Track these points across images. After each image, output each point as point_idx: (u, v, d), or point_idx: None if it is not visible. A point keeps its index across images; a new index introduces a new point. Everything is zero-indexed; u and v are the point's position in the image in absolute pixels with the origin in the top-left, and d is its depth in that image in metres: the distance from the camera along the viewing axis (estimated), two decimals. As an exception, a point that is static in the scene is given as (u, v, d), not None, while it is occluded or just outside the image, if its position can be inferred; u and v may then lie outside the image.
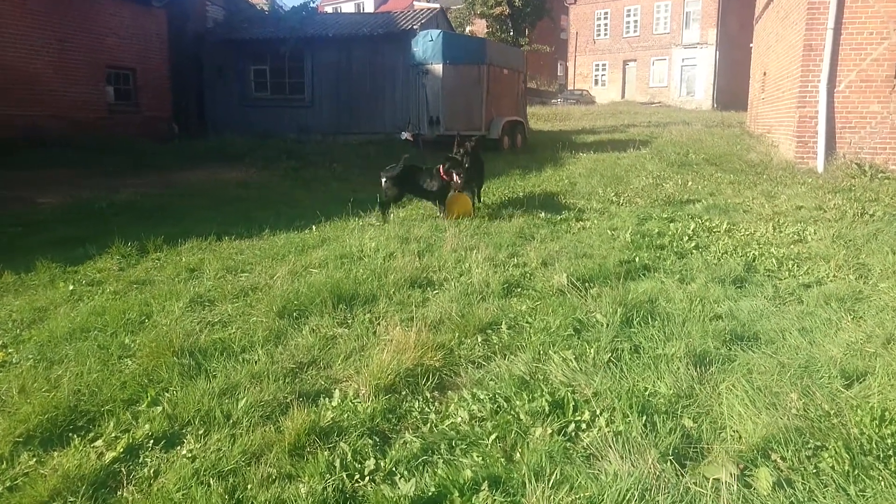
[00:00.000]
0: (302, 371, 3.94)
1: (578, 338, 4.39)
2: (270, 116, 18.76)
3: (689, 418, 3.43)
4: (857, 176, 12.25)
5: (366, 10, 44.91)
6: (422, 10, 19.39)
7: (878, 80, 12.88)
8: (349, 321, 4.69)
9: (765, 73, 19.54)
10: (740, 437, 3.21)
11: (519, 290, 5.48)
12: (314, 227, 7.56)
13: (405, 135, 14.83)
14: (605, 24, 54.08)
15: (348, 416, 3.43)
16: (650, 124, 29.19)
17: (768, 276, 6.11)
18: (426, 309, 4.93)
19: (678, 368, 3.88)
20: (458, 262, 6.18)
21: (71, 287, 5.58)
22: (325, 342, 4.31)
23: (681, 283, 5.80)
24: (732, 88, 47.39)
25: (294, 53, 18.45)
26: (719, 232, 7.87)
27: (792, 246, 7.18)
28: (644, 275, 6.03)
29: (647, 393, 3.64)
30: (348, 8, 48.74)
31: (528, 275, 5.89)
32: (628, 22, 52.78)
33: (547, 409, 3.45)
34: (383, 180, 8.10)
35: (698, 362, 4.01)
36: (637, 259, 6.43)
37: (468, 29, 35.78)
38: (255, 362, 3.95)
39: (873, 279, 5.88)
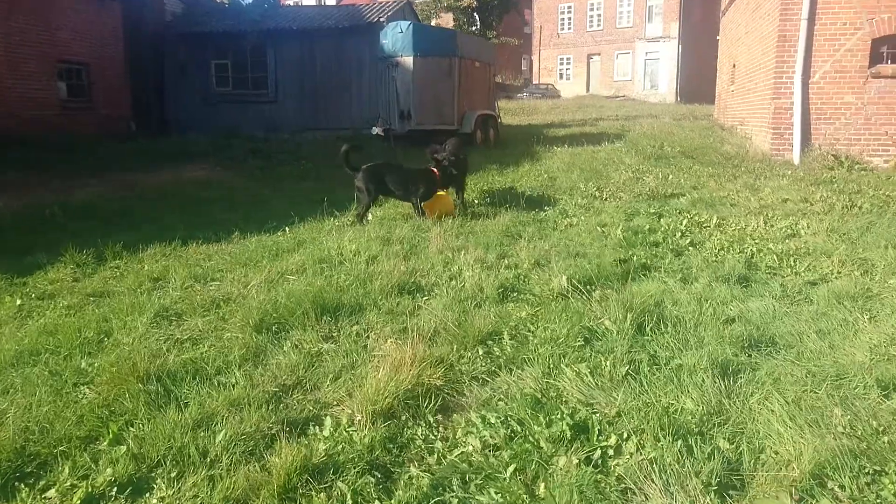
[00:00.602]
0: (286, 395, 3.49)
1: (590, 348, 4.02)
2: (234, 113, 18.09)
3: (724, 439, 3.08)
4: (835, 167, 12.17)
5: (329, 3, 44.12)
6: (388, 2, 18.85)
7: (851, 71, 12.81)
8: (335, 334, 4.25)
9: (734, 66, 19.49)
10: (788, 463, 2.86)
11: (515, 294, 5.10)
12: (287, 229, 7.07)
13: (376, 130, 14.33)
14: (569, 18, 54.04)
15: (344, 447, 3.00)
16: (618, 118, 29.06)
17: (771, 273, 5.84)
18: (418, 318, 4.51)
19: (703, 381, 3.53)
20: (446, 265, 5.77)
21: (18, 301, 5.02)
22: (311, 360, 3.86)
23: (684, 283, 5.49)
24: (695, 82, 47.79)
25: (256, 47, 17.81)
26: (710, 227, 7.60)
27: (787, 241, 6.93)
28: (644, 275, 5.69)
29: (673, 411, 3.28)
30: (310, 0, 47.84)
31: (523, 277, 5.51)
32: (592, 16, 52.80)
33: (568, 433, 3.06)
34: (360, 178, 7.63)
35: (722, 373, 3.67)
36: (634, 258, 6.10)
37: (434, 22, 35.34)
38: (233, 386, 3.49)
39: (879, 275, 5.63)
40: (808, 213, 8.26)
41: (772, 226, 7.57)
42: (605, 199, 9.38)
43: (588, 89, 53.20)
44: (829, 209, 8.42)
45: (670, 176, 11.12)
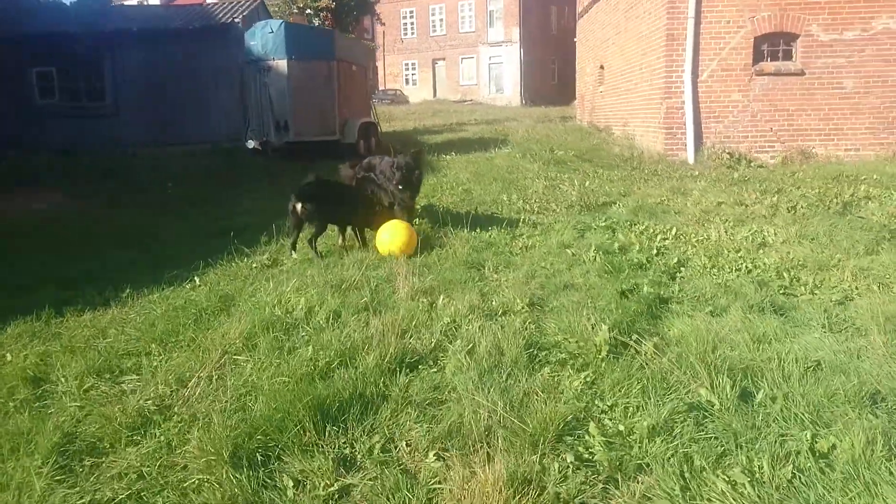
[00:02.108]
0: None
1: (716, 439, 2.96)
2: (65, 128, 15.37)
3: None
4: (733, 166, 12.19)
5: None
6: (241, 1, 16.95)
7: (737, 69, 12.95)
8: (351, 454, 2.89)
9: (601, 67, 19.59)
10: None
11: (545, 353, 3.96)
12: (196, 279, 5.43)
13: (252, 143, 12.55)
14: (412, 23, 53.66)
15: None
16: (479, 122, 28.76)
17: (785, 293, 5.17)
18: (448, 409, 3.24)
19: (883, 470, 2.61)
20: (431, 317, 4.51)
21: None
22: (337, 510, 2.50)
23: (713, 315, 4.63)
24: (537, 84, 49.22)
25: (90, 52, 15.24)
26: (670, 239, 6.93)
27: (762, 251, 6.38)
28: (664, 309, 4.77)
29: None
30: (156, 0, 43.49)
31: (536, 326, 4.39)
32: (434, 21, 52.75)
33: None
34: (295, 203, 6.15)
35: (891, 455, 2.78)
36: (640, 288, 5.17)
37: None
38: None
39: (901, 291, 5.09)
40: (755, 217, 7.85)
41: (733, 235, 7.01)
42: (538, 212, 8.49)
43: (435, 94, 53.10)
44: (774, 212, 8.07)
45: (587, 182, 10.49)
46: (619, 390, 3.43)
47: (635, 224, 7.61)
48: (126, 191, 10.22)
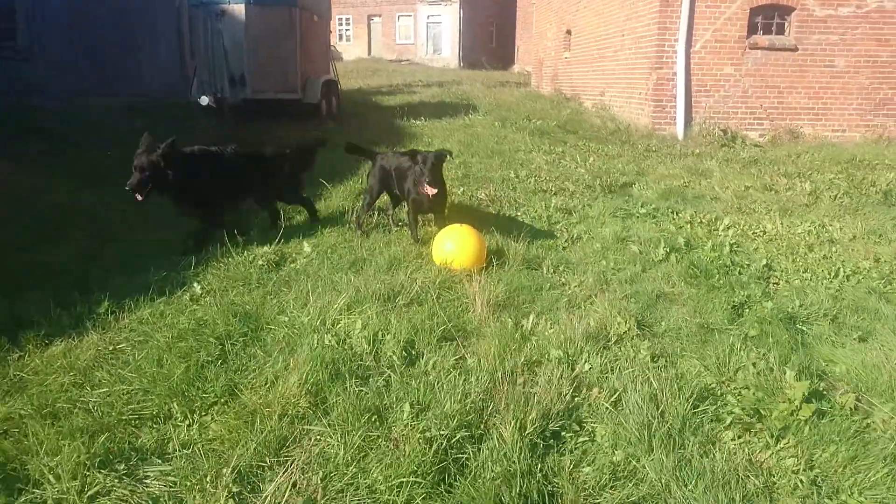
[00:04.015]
0: None
1: None
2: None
3: None
4: (728, 143, 11.53)
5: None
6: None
7: (731, 41, 12.23)
8: None
9: (568, 32, 18.60)
10: None
11: (709, 405, 2.96)
12: (196, 284, 4.11)
13: (206, 99, 10.87)
14: (347, -24, 50.99)
15: None
16: (426, 84, 27.29)
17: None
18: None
19: None
20: (533, 348, 3.43)
21: None
22: None
23: (862, 341, 3.77)
24: (476, 47, 47.91)
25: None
26: (724, 231, 6.08)
27: (836, 248, 5.62)
28: (801, 332, 3.87)
29: None
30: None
31: (667, 361, 3.39)
32: (370, -26, 50.30)
33: None
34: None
35: None
36: (755, 301, 4.26)
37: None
38: None
39: None
40: (798, 207, 7.12)
41: (792, 228, 6.22)
42: (555, 193, 7.46)
43: (370, 52, 50.93)
44: (815, 200, 7.35)
45: (591, 158, 9.53)
46: (855, 475, 2.48)
47: (677, 212, 6.71)
48: (60, 152, 8.46)
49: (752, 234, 6.09)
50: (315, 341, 3.26)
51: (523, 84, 25.67)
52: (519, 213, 6.49)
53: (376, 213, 5.96)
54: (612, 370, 3.24)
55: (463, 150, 9.73)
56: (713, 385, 3.17)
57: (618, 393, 2.99)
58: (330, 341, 3.28)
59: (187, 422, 2.67)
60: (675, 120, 12.35)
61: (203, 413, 2.73)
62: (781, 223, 6.37)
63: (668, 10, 12.07)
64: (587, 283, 4.59)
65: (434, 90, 22.90)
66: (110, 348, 3.26)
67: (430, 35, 49.34)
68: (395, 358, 3.20)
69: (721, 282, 4.70)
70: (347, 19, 51.65)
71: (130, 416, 2.67)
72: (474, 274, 4.41)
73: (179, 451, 2.45)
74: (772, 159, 9.89)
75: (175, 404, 2.73)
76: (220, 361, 3.10)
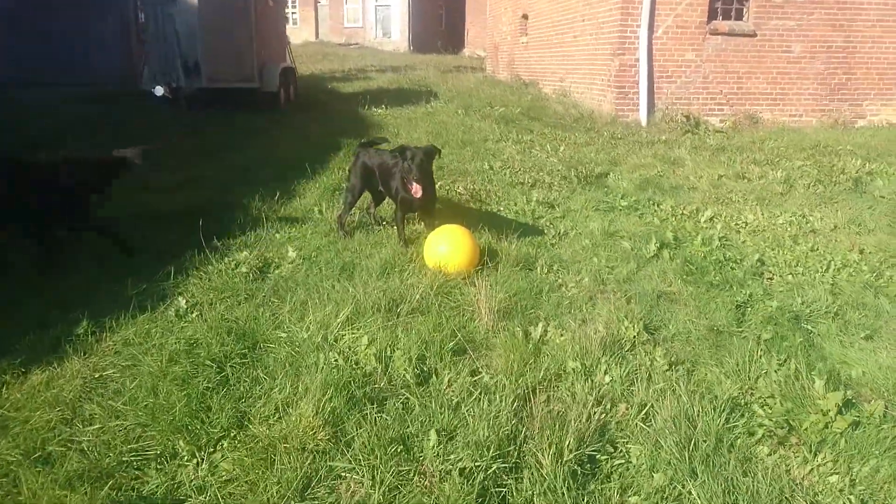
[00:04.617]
0: None
1: None
2: None
3: None
4: (691, 130, 11.58)
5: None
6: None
7: (692, 27, 12.26)
8: None
9: (524, 16, 18.45)
10: None
11: (738, 419, 2.87)
12: (181, 298, 3.81)
13: (160, 90, 10.32)
14: (291, -44, 49.68)
15: None
16: (379, 69, 26.83)
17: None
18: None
19: None
20: (550, 359, 3.28)
21: None
22: None
23: (869, 340, 3.76)
24: (426, 31, 47.40)
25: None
26: (709, 224, 6.07)
27: (819, 239, 5.65)
28: (805, 331, 3.83)
29: None
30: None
31: (686, 370, 3.29)
32: (315, -45, 49.15)
33: None
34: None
35: None
36: (758, 300, 4.21)
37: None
38: None
39: None
40: (774, 196, 7.15)
41: (773, 219, 6.23)
42: (533, 186, 7.34)
43: (317, 36, 49.84)
44: (789, 189, 7.40)
45: (562, 148, 9.43)
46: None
47: (658, 204, 6.66)
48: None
49: (735, 225, 6.08)
50: (321, 361, 3.04)
51: (477, 69, 25.47)
52: (501, 209, 6.33)
53: (357, 211, 5.71)
54: (633, 382, 3.12)
55: (433, 141, 9.50)
56: (736, 395, 3.08)
57: (646, 408, 2.86)
58: (336, 360, 3.06)
59: (195, 460, 2.43)
60: (639, 106, 12.35)
61: (211, 449, 2.49)
62: (762, 214, 6.37)
63: (630, -4, 12.03)
64: (584, 284, 4.47)
65: (389, 76, 22.52)
66: (96, 376, 2.97)
67: (379, 18, 48.54)
68: (408, 376, 3.01)
69: (717, 278, 4.65)
70: (293, 2, 50.38)
71: (132, 457, 2.42)
72: (470, 277, 4.24)
73: (195, 497, 2.21)
74: (738, 146, 9.96)
75: (180, 441, 2.48)
76: (221, 388, 2.86)
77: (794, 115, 12.76)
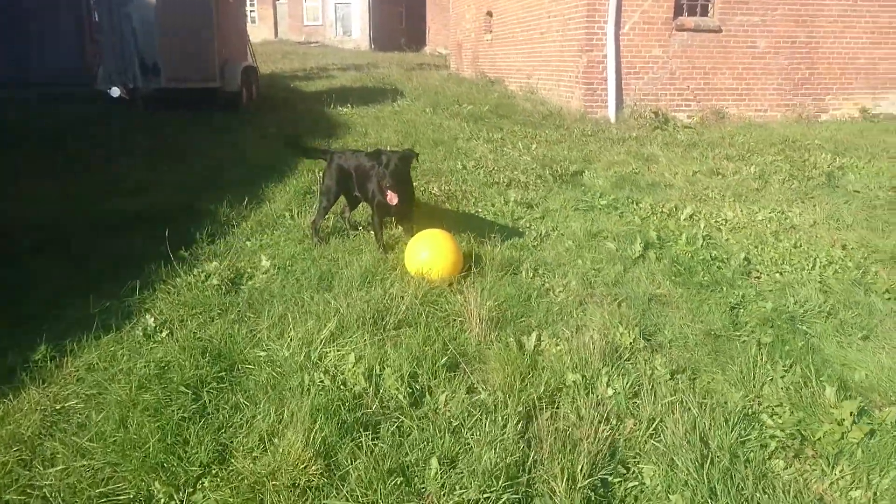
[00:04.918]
0: None
1: None
2: None
3: None
4: (660, 126, 11.55)
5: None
6: None
7: (658, 23, 12.26)
8: None
9: (489, 13, 18.32)
10: None
11: (751, 431, 2.74)
12: (148, 316, 3.53)
13: (117, 91, 9.86)
14: (249, -46, 48.83)
15: None
16: (341, 67, 26.50)
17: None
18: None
19: None
20: (548, 370, 3.11)
21: None
22: None
23: (866, 339, 3.67)
24: (386, 29, 47.06)
25: None
26: (689, 221, 5.98)
27: (800, 235, 5.59)
28: (800, 333, 3.73)
29: None
30: None
31: (689, 378, 3.15)
32: (274, -47, 48.38)
33: None
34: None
35: None
36: (751, 301, 4.11)
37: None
38: None
39: None
40: (750, 192, 7.11)
41: (753, 216, 6.18)
42: (510, 185, 7.18)
43: (277, 34, 49.12)
44: (764, 185, 7.37)
45: (534, 146, 9.29)
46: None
47: (637, 202, 6.55)
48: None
49: (716, 223, 6.00)
50: (306, 382, 2.82)
51: (441, 66, 25.31)
52: (479, 210, 6.15)
53: (331, 216, 5.47)
54: (636, 393, 2.96)
55: (403, 141, 9.29)
56: (743, 404, 2.95)
57: (654, 423, 2.71)
58: (322, 381, 2.84)
59: (173, 503, 2.19)
60: (607, 103, 12.29)
61: (191, 489, 2.25)
62: (741, 210, 6.31)
63: (597, -8, 11.95)
64: (572, 288, 4.32)
65: (352, 74, 22.21)
66: (58, 407, 2.70)
67: (339, 16, 48.04)
68: (400, 397, 2.81)
69: (706, 279, 4.54)
70: (252, 0, 49.57)
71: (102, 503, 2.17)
72: (454, 283, 4.05)
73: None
74: (709, 142, 9.95)
75: (155, 482, 2.24)
76: (198, 417, 2.61)
77: (759, 110, 12.85)
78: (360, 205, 5.43)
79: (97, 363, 3.04)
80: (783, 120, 12.67)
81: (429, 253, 4.28)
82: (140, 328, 3.40)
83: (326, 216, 5.17)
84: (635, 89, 12.47)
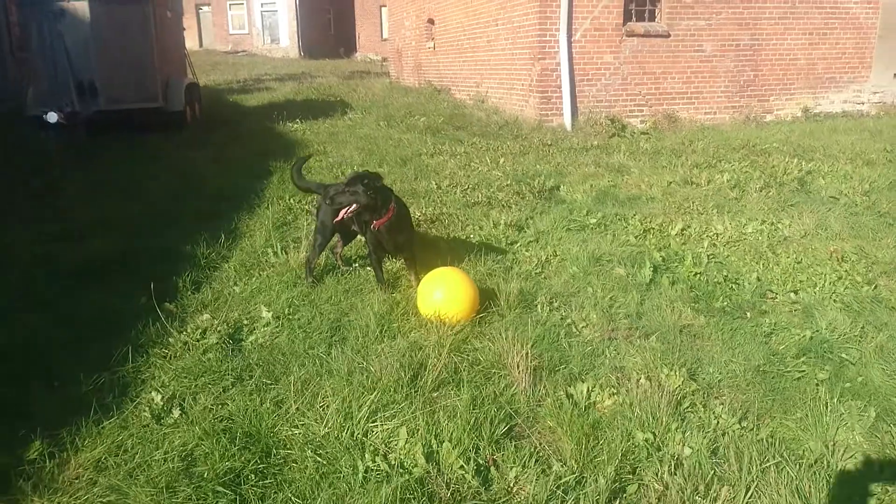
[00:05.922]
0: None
1: None
2: None
3: None
4: (616, 133, 11.55)
5: None
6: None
7: (609, 29, 12.28)
8: None
9: (430, 21, 18.08)
10: None
11: (858, 485, 2.56)
12: (154, 393, 3.09)
13: (54, 116, 9.05)
14: (167, -39, 47.12)
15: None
16: (276, 77, 25.76)
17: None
18: None
19: None
20: (598, 429, 2.87)
21: None
22: None
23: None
24: (315, 36, 46.25)
25: None
26: (677, 238, 5.88)
27: (794, 248, 5.55)
28: (840, 363, 3.61)
29: None
30: None
31: (752, 430, 2.96)
32: (192, -41, 46.81)
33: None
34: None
35: None
36: (780, 328, 3.97)
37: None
38: None
39: None
40: (730, 201, 7.09)
41: (743, 229, 6.12)
42: (489, 205, 6.94)
43: (201, 44, 47.53)
44: (742, 194, 7.36)
45: (502, 160, 9.07)
46: None
47: (624, 219, 6.41)
48: None
49: (709, 237, 5.91)
50: (360, 469, 2.48)
51: (378, 74, 24.96)
52: (469, 234, 5.88)
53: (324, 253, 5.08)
54: (714, 451, 2.75)
55: (367, 159, 8.93)
56: (822, 453, 2.77)
57: (750, 491, 2.49)
58: (379, 466, 2.51)
59: None
60: (563, 111, 12.22)
61: None
62: (729, 223, 6.24)
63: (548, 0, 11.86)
64: (593, 321, 4.09)
65: (290, 85, 21.60)
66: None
67: (266, 24, 46.90)
68: (467, 476, 2.50)
69: (725, 304, 4.40)
70: (173, 8, 47.88)
71: None
72: (474, 324, 3.77)
73: None
74: (671, 149, 9.95)
75: None
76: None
77: (708, 113, 13.05)
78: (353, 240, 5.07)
79: (106, 459, 2.61)
80: (731, 122, 12.90)
81: (443, 293, 3.98)
82: (145, 407, 2.97)
83: (321, 254, 4.79)
84: (589, 96, 12.45)
